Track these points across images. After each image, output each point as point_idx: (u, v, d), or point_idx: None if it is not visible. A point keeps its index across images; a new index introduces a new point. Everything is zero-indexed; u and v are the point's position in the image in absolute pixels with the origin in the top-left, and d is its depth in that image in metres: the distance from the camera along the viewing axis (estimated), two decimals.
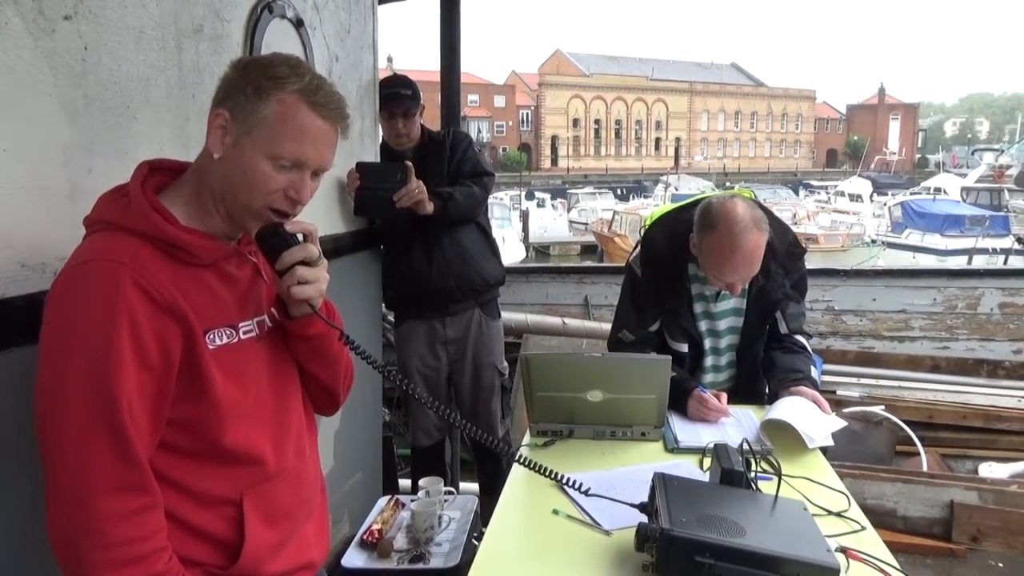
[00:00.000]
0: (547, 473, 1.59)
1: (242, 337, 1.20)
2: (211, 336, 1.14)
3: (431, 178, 2.90)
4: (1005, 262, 17.14)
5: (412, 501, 2.49)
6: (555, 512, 1.61)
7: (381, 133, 3.05)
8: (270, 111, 1.12)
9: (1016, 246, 19.89)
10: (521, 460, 1.66)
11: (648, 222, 2.45)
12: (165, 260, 1.11)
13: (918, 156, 69.08)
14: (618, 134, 64.40)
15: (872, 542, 1.50)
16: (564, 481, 1.61)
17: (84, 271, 1.07)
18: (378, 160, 2.95)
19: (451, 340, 3.09)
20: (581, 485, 1.59)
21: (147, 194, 1.14)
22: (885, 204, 26.51)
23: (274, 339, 1.27)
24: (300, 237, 1.23)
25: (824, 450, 1.97)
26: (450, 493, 2.56)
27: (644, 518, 1.40)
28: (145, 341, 1.06)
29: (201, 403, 1.13)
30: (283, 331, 1.29)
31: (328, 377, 1.36)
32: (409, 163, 2.74)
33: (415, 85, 3.02)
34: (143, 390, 1.06)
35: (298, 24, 2.25)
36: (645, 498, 1.46)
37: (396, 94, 2.95)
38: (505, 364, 3.24)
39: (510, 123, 59.19)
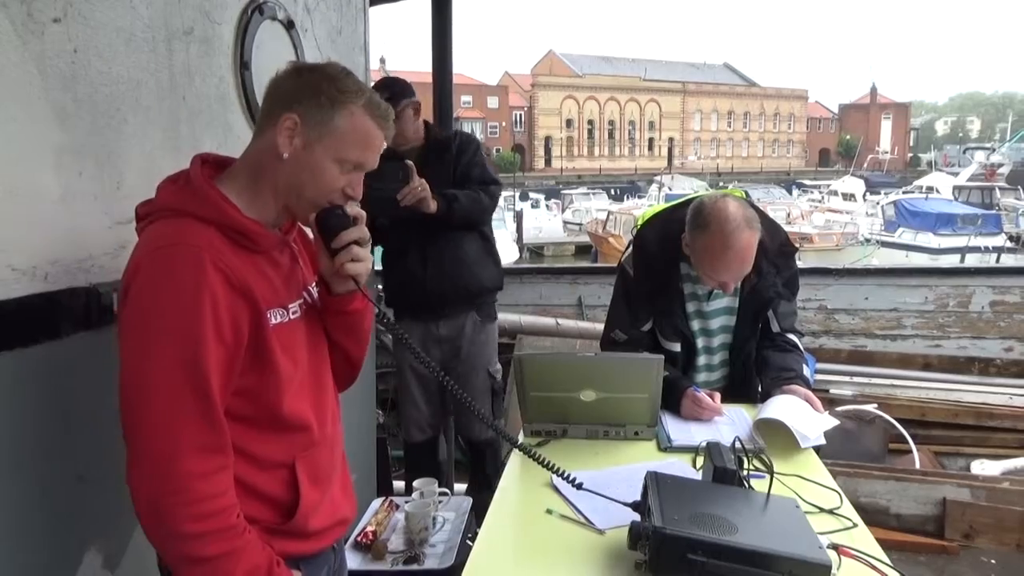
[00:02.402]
0: (542, 461, 1.60)
1: (291, 316, 1.32)
2: (271, 315, 1.26)
3: (433, 180, 2.89)
4: (997, 260, 17.23)
5: (406, 502, 2.49)
6: (548, 512, 1.61)
7: None
8: (343, 121, 1.25)
9: (1008, 244, 20.01)
10: (521, 447, 1.66)
11: (640, 222, 2.45)
12: (230, 245, 1.22)
13: (910, 155, 69.29)
14: (611, 134, 64.44)
15: (864, 539, 1.50)
16: (559, 472, 1.61)
17: (168, 254, 1.16)
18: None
19: (444, 339, 3.09)
20: (575, 479, 1.59)
21: (211, 185, 1.24)
22: (878, 203, 26.60)
23: (309, 318, 1.39)
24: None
25: (817, 448, 1.97)
26: (444, 494, 2.56)
27: (637, 517, 1.41)
28: (222, 319, 1.17)
29: (264, 374, 1.25)
30: (316, 311, 1.40)
31: (356, 350, 1.50)
32: (410, 162, 2.74)
33: (397, 85, 2.95)
34: (219, 363, 1.17)
35: (289, 26, 2.25)
36: (638, 497, 1.46)
37: None
38: (498, 367, 3.22)
39: (503, 124, 59.19)
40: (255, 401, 1.25)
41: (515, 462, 1.92)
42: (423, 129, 3.04)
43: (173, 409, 1.12)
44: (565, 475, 1.60)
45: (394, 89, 2.93)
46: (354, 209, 1.34)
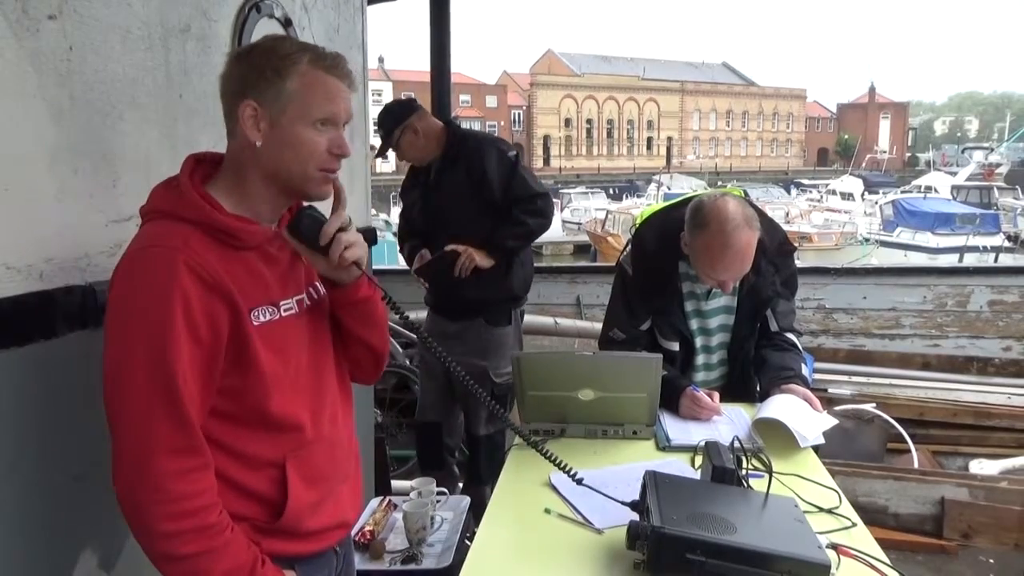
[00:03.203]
0: (545, 453, 1.59)
1: (283, 314, 1.29)
2: (255, 313, 1.24)
3: (449, 192, 2.99)
4: (995, 260, 17.24)
5: (404, 502, 2.49)
6: (547, 511, 1.61)
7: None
8: (295, 84, 1.23)
9: (1006, 244, 20.03)
10: (524, 435, 1.65)
11: (638, 221, 2.45)
12: (213, 244, 1.20)
13: (908, 155, 69.31)
14: (610, 134, 64.42)
15: (863, 539, 1.50)
16: (561, 465, 1.60)
17: (144, 256, 1.17)
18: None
19: (452, 335, 3.12)
20: (575, 472, 1.58)
21: (196, 185, 1.24)
22: (876, 203, 26.61)
23: (311, 316, 1.37)
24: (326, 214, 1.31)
25: (816, 448, 1.97)
26: (442, 493, 2.55)
27: (635, 516, 1.40)
28: (196, 319, 1.15)
29: (248, 374, 1.23)
30: (320, 307, 1.39)
31: (376, 338, 1.47)
32: (450, 247, 2.93)
33: (388, 118, 3.02)
34: (194, 363, 1.16)
35: (286, 23, 2.24)
36: (636, 496, 1.46)
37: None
38: (508, 374, 3.11)
39: (502, 123, 59.08)
40: (240, 400, 1.24)
41: (513, 461, 1.92)
42: (443, 138, 3.06)
43: (144, 410, 1.13)
44: (567, 468, 1.59)
45: (385, 124, 3.01)
46: (328, 198, 1.31)
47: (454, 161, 3.02)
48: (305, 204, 1.30)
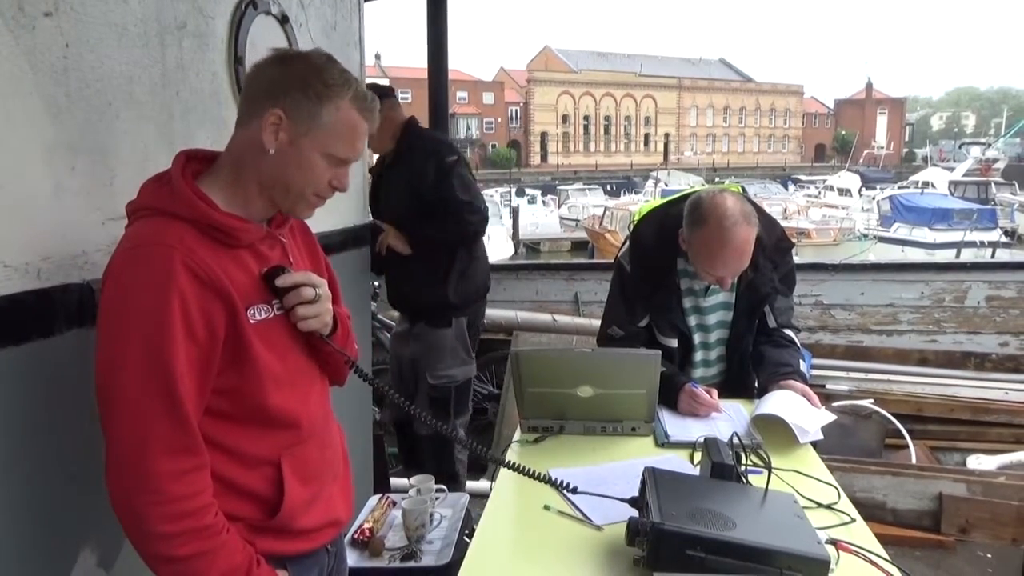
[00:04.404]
0: (533, 474, 1.58)
1: (276, 312, 1.29)
2: (252, 311, 1.24)
3: (392, 186, 3.11)
4: (992, 255, 17.27)
5: (403, 499, 2.49)
6: (546, 508, 1.61)
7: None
8: (330, 117, 1.24)
9: (1003, 239, 20.07)
10: (509, 464, 1.64)
11: (636, 218, 2.44)
12: (207, 242, 1.20)
13: (905, 150, 69.47)
14: (607, 130, 64.44)
15: (862, 534, 1.50)
16: (552, 481, 1.59)
17: (139, 254, 1.16)
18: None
19: (401, 334, 3.32)
20: (569, 484, 1.58)
21: (188, 182, 1.23)
22: (874, 198, 26.67)
23: None
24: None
25: (814, 443, 1.97)
26: (441, 491, 2.56)
27: (635, 512, 1.40)
28: (193, 317, 1.15)
29: (245, 372, 1.23)
30: None
31: (343, 367, 1.47)
32: (376, 221, 3.12)
33: None
34: (191, 362, 1.15)
35: (283, 20, 2.23)
36: (636, 493, 1.46)
37: None
38: (446, 376, 3.21)
39: (499, 120, 59.11)
40: (237, 398, 1.23)
41: (512, 457, 1.92)
42: (398, 133, 3.13)
43: (140, 410, 1.12)
44: (558, 482, 1.59)
45: None
46: (300, 274, 1.30)
47: (402, 158, 3.10)
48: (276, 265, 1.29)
